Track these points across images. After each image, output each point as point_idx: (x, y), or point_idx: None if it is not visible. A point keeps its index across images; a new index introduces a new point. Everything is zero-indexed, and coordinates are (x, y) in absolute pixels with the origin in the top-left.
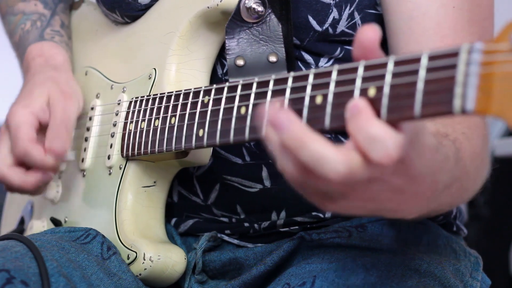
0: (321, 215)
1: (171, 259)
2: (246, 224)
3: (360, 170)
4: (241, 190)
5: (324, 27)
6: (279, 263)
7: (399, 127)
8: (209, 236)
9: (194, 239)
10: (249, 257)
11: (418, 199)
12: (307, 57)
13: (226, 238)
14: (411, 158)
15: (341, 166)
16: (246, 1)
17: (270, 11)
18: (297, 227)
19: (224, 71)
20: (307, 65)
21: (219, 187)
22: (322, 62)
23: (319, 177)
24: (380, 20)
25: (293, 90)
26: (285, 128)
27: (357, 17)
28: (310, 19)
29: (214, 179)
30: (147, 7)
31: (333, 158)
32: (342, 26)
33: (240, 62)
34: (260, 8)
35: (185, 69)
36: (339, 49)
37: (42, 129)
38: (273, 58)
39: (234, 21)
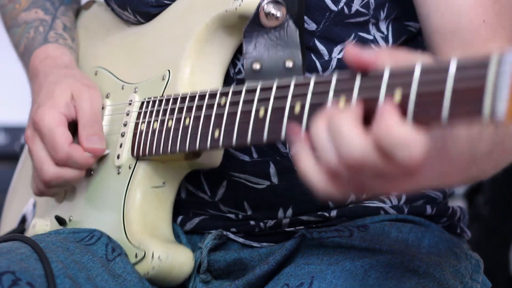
0: (326, 214)
1: (179, 259)
2: (252, 222)
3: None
4: (249, 186)
5: (339, 6)
6: (281, 262)
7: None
8: (214, 235)
9: (200, 237)
10: (254, 258)
11: (458, 173)
12: (321, 47)
13: (231, 236)
14: (447, 147)
15: (355, 148)
16: (265, 6)
17: (288, 16)
18: (302, 226)
19: (236, 70)
20: (320, 57)
21: (226, 183)
22: (335, 52)
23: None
24: None
25: (314, 94)
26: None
27: None
28: None
29: (222, 175)
30: (158, 4)
31: (350, 136)
32: (356, 5)
33: (257, 66)
34: (278, 14)
35: (199, 71)
36: (353, 35)
37: (70, 124)
38: (289, 64)
39: (253, 25)
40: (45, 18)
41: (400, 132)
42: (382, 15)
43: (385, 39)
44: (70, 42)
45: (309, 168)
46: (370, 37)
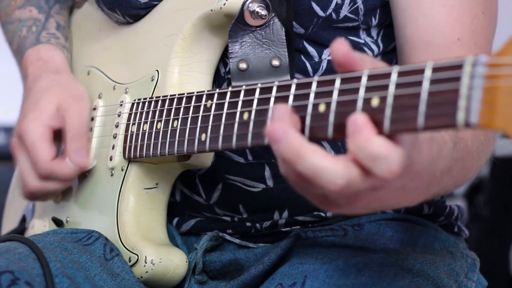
0: (322, 214)
1: (173, 262)
2: (248, 224)
3: (359, 181)
4: (244, 189)
5: (327, 13)
6: (276, 262)
7: (399, 139)
8: (210, 236)
9: (196, 238)
10: (250, 258)
11: (418, 191)
12: (310, 49)
13: (227, 237)
14: (412, 160)
15: (339, 179)
16: (250, 5)
17: (273, 15)
18: (298, 226)
19: (227, 69)
20: (310, 58)
21: (221, 186)
22: (325, 54)
23: (318, 187)
24: (380, 4)
25: (296, 97)
26: (282, 141)
27: (359, 1)
28: (314, 5)
29: (217, 178)
30: (147, 5)
31: (331, 170)
32: (345, 11)
33: (243, 65)
34: (263, 12)
35: (188, 71)
36: (342, 38)
37: (55, 135)
38: (276, 62)
39: (238, 24)
40: (39, 17)
41: (379, 145)
42: (374, 21)
43: (375, 44)
44: (63, 41)
45: (288, 176)
46: (361, 41)
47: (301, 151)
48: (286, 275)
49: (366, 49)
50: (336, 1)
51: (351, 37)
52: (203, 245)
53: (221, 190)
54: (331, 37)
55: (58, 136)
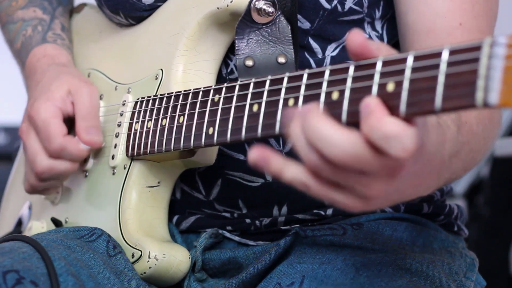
0: (322, 213)
1: (176, 258)
2: (248, 220)
3: (369, 158)
4: (243, 184)
5: (333, 4)
6: (275, 260)
7: (412, 121)
8: (209, 233)
9: (196, 236)
10: (249, 257)
11: (431, 176)
12: (315, 45)
13: (227, 234)
14: (424, 143)
15: (346, 145)
16: (256, 2)
17: (280, 12)
18: (297, 225)
19: (228, 70)
20: (314, 55)
21: (221, 182)
22: (329, 50)
23: (326, 160)
24: None
25: (308, 86)
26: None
27: None
28: None
29: (216, 174)
30: (152, 7)
31: (338, 137)
32: (349, 3)
33: (249, 62)
34: (270, 9)
35: (192, 69)
36: (347, 33)
37: (65, 119)
38: (282, 60)
39: (244, 22)
40: (44, 17)
41: (392, 125)
42: (378, 13)
43: (380, 38)
44: (68, 43)
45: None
46: (366, 35)
47: (310, 119)
48: (284, 274)
49: None
50: None
51: None
52: (202, 243)
53: (220, 185)
54: (337, 31)
55: (67, 126)
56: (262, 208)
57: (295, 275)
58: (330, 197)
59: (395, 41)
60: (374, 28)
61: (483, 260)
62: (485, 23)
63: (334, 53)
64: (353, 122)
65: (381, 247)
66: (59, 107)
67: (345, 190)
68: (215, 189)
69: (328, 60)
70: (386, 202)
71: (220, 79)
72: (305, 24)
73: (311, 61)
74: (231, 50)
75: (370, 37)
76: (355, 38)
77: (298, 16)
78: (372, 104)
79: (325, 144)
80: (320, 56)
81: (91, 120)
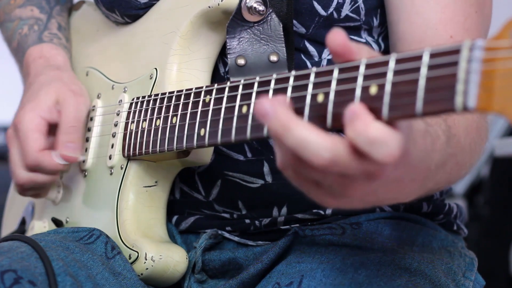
0: (321, 212)
1: (173, 259)
2: (247, 221)
3: (348, 160)
4: (243, 185)
5: (329, 12)
6: (274, 260)
7: (396, 125)
8: (209, 234)
9: (195, 237)
10: (249, 257)
11: (414, 184)
12: (311, 48)
13: (227, 235)
14: (408, 149)
15: (323, 151)
16: (247, 1)
17: (271, 10)
18: (297, 224)
19: (226, 69)
20: (310, 57)
21: (220, 183)
22: (325, 54)
23: (305, 162)
24: (380, 3)
25: (295, 88)
26: (269, 115)
27: (359, 0)
28: (315, 4)
29: (216, 175)
30: (147, 5)
31: (315, 142)
32: (346, 10)
33: (241, 61)
34: (261, 8)
35: (186, 68)
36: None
37: (51, 128)
38: (274, 58)
39: (235, 20)
40: (40, 17)
41: (377, 130)
42: (376, 21)
43: (377, 43)
44: (65, 42)
45: (279, 158)
46: (362, 40)
47: (288, 124)
48: (283, 274)
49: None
50: (337, 0)
51: (352, 37)
52: (202, 244)
53: (220, 186)
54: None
55: (54, 131)
56: (262, 209)
57: (294, 274)
58: (306, 189)
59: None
60: (370, 34)
61: (483, 260)
62: (477, 36)
63: (330, 56)
64: (338, 125)
65: (380, 247)
66: (44, 118)
67: (322, 187)
68: (214, 189)
69: (324, 62)
70: (360, 203)
71: (217, 78)
72: (300, 29)
73: (308, 63)
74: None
75: (367, 41)
76: (336, 37)
77: (294, 21)
78: (357, 110)
79: (305, 150)
80: (316, 59)
81: (71, 135)
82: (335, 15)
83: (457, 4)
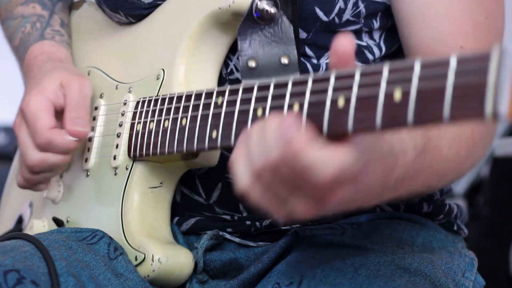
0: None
1: (179, 261)
2: (248, 222)
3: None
4: None
5: (330, 17)
6: (275, 260)
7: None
8: (210, 235)
9: (196, 237)
10: (250, 257)
11: (368, 197)
12: (311, 54)
13: (227, 236)
14: (362, 172)
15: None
16: (259, 3)
17: (282, 12)
18: (298, 225)
19: (228, 71)
20: (308, 59)
21: (221, 186)
22: (324, 58)
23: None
24: (382, 8)
25: (313, 93)
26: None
27: (361, 5)
28: (317, 10)
29: (216, 178)
30: (151, 5)
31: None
32: (347, 15)
33: (252, 63)
34: (272, 10)
35: (194, 69)
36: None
37: (57, 113)
38: (285, 60)
39: (247, 22)
40: (43, 13)
41: (314, 154)
42: (376, 24)
43: (378, 46)
44: (67, 39)
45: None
46: (363, 44)
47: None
48: (283, 274)
49: (368, 52)
50: (340, 6)
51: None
52: (203, 244)
53: (220, 189)
54: (333, 39)
55: (61, 118)
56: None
57: (294, 274)
58: (273, 205)
59: (393, 50)
60: (371, 37)
61: (483, 260)
62: (488, 43)
63: (328, 60)
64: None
65: (380, 247)
66: (50, 100)
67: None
68: (215, 192)
69: (323, 66)
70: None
71: (220, 79)
72: (301, 34)
73: (308, 65)
74: (231, 50)
75: (368, 45)
76: (344, 42)
77: None
78: (291, 129)
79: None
80: (315, 62)
81: (78, 111)
82: (336, 20)
83: (465, 15)
